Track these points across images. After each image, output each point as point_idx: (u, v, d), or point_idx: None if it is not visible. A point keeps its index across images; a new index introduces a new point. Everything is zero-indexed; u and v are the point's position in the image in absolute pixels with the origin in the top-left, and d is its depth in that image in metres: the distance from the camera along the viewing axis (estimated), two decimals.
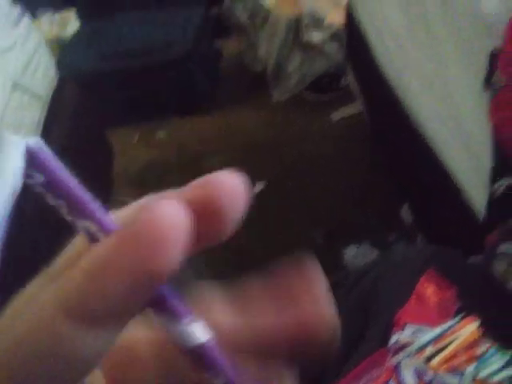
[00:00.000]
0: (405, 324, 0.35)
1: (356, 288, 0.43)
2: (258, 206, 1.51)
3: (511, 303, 0.40)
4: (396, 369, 0.31)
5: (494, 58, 0.49)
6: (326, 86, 1.86)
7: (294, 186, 1.50)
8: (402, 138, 1.01)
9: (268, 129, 1.78)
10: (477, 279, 0.43)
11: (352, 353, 0.39)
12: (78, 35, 1.95)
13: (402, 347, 0.33)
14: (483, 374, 0.30)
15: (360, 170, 1.48)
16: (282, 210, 1.41)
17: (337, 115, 1.82)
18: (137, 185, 1.62)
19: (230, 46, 2.09)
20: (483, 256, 0.47)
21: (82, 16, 2.09)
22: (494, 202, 0.56)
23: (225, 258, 1.24)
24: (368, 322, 0.40)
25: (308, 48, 1.69)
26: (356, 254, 1.22)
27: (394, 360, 0.32)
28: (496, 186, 0.51)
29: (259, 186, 1.52)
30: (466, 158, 0.70)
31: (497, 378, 0.30)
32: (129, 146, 1.84)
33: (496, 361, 0.31)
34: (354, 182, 1.44)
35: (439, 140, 0.80)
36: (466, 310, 0.37)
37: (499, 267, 0.44)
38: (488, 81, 0.50)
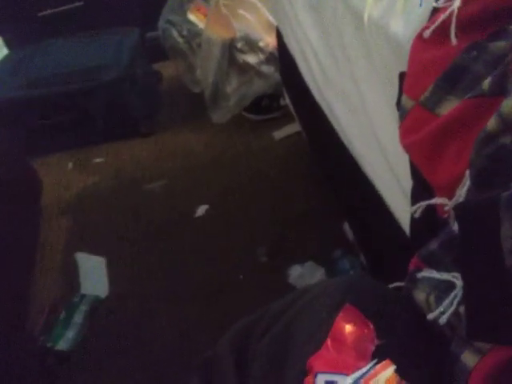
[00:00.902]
0: (316, 374, 0.32)
1: (268, 333, 0.40)
2: (202, 229, 1.46)
3: (432, 341, 0.38)
4: None
5: (401, 79, 0.48)
6: (266, 106, 1.87)
7: (237, 206, 1.47)
8: (334, 157, 1.00)
9: (209, 150, 1.75)
10: (399, 309, 0.41)
11: None
12: (4, 63, 1.84)
13: None
14: None
15: (303, 187, 1.47)
16: (226, 230, 1.37)
17: (279, 134, 1.82)
18: (70, 214, 1.53)
19: (169, 69, 2.06)
20: (405, 284, 0.45)
21: (9, 43, 1.99)
22: (413, 225, 0.55)
23: (172, 281, 1.19)
24: (281, 370, 0.37)
25: (245, 69, 1.69)
26: (301, 274, 1.20)
27: None
28: (414, 207, 0.49)
29: (202, 210, 1.48)
30: (390, 178, 0.70)
31: None
32: (63, 173, 1.74)
33: None
34: (298, 199, 1.43)
35: (366, 160, 0.80)
36: (383, 351, 0.34)
37: (419, 295, 0.42)
38: (398, 104, 0.49)
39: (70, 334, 1.03)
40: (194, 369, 0.41)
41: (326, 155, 1.12)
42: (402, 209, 0.68)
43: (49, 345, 0.99)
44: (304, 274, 1.20)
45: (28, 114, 1.71)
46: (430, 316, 0.38)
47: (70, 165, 1.79)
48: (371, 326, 0.38)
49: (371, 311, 0.39)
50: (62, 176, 1.74)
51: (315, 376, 0.32)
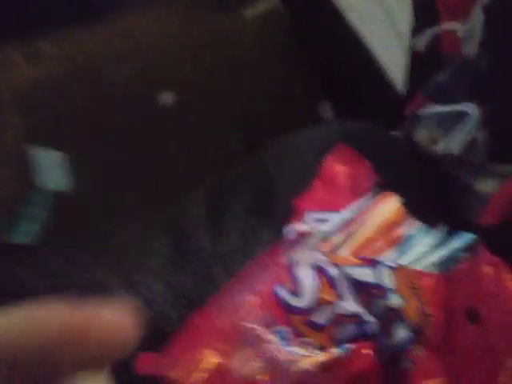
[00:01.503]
0: (304, 212, 0.26)
1: (246, 185, 0.33)
2: (169, 119, 1.36)
3: (435, 171, 0.33)
4: (289, 267, 0.21)
5: None
6: None
7: (207, 93, 1.35)
8: (318, 16, 0.89)
9: (174, 32, 1.57)
10: (396, 150, 0.35)
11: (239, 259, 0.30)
12: None
13: (298, 239, 0.24)
14: (404, 260, 0.22)
15: (278, 70, 1.36)
16: (195, 120, 1.28)
17: (251, 12, 1.64)
18: (23, 107, 1.38)
19: None
20: (404, 125, 0.39)
21: None
22: (415, 61, 0.47)
23: (141, 179, 1.12)
24: (260, 219, 0.31)
25: None
26: None
27: (286, 257, 0.23)
28: (420, 39, 0.41)
29: (167, 97, 1.36)
30: (384, 25, 0.61)
31: (421, 264, 0.22)
32: (10, 66, 1.54)
33: (419, 244, 0.22)
34: (272, 83, 1.33)
35: (355, 8, 0.69)
36: (383, 185, 0.28)
37: (422, 133, 0.36)
38: None
39: (31, 227, 0.96)
40: (158, 222, 0.35)
41: (311, 20, 1.00)
42: (394, 58, 0.59)
43: (8, 240, 0.93)
44: None
45: None
46: (439, 149, 0.32)
47: (18, 56, 1.58)
48: (367, 164, 0.31)
49: (366, 150, 0.33)
50: (12, 67, 1.54)
51: (302, 215, 0.26)
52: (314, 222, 0.26)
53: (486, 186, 0.27)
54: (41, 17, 1.67)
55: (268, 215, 0.31)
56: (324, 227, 0.24)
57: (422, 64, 0.44)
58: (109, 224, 1.03)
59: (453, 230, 0.25)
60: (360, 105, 0.81)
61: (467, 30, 0.38)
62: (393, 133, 0.42)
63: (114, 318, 0.10)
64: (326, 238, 0.24)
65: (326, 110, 1.15)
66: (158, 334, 0.29)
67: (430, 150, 0.34)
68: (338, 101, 1.02)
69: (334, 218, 0.25)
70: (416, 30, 0.47)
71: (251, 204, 0.33)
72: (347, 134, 0.35)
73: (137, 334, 0.10)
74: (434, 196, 0.31)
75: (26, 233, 0.93)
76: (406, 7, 0.52)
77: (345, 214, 0.25)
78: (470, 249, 0.23)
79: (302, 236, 0.24)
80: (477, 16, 0.36)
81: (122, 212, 1.04)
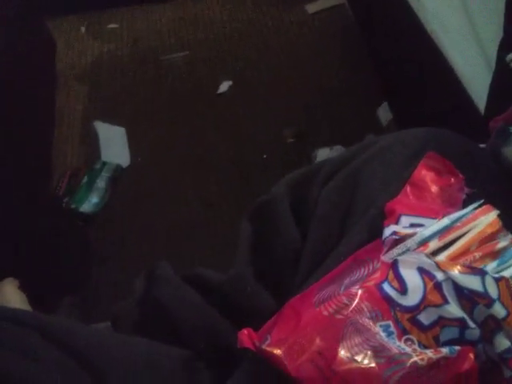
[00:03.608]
0: (399, 215, 0.27)
1: (332, 180, 0.34)
2: (225, 106, 1.38)
3: None
4: (394, 266, 0.23)
5: None
6: None
7: (263, 83, 1.36)
8: (395, 26, 0.87)
9: (234, 21, 1.58)
10: (489, 163, 0.35)
11: (328, 253, 0.31)
12: None
13: (398, 240, 0.25)
14: (507, 273, 0.23)
15: (336, 68, 1.35)
16: (250, 109, 1.29)
17: (313, 7, 1.62)
18: (86, 82, 1.43)
19: None
20: (491, 139, 0.39)
21: None
22: (505, 77, 0.46)
23: (195, 155, 1.14)
24: (348, 217, 0.32)
25: None
26: (328, 156, 1.15)
27: (388, 255, 0.24)
28: (509, 56, 0.40)
29: (225, 86, 1.38)
30: (467, 34, 0.59)
31: None
32: (75, 38, 1.60)
33: None
34: (329, 80, 1.32)
35: (438, 23, 0.68)
36: (478, 197, 0.29)
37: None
38: None
39: (93, 198, 1.01)
40: (247, 212, 0.37)
41: (381, 26, 0.98)
42: (475, 71, 0.58)
43: (73, 206, 0.98)
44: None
45: None
46: None
47: (83, 29, 1.64)
48: (460, 176, 0.32)
49: (458, 161, 0.33)
50: (75, 41, 1.60)
51: (398, 217, 0.27)
52: (411, 225, 0.27)
53: None
54: None
55: (357, 213, 0.32)
56: (423, 232, 0.26)
57: (510, 81, 0.43)
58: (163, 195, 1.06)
59: None
60: (426, 112, 0.80)
61: None
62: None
63: None
64: (423, 241, 0.25)
65: (386, 113, 1.14)
66: (251, 314, 0.31)
67: None
68: (399, 104, 1.01)
69: (431, 224, 0.26)
70: (506, 46, 0.46)
71: (338, 200, 0.34)
72: (439, 141, 0.35)
73: None
74: None
75: (90, 202, 0.98)
76: (493, 21, 0.51)
77: (443, 221, 0.26)
78: None
79: (401, 238, 0.25)
80: None
81: (178, 189, 1.07)
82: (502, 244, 0.25)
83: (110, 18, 1.64)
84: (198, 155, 1.18)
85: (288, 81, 1.38)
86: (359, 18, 1.22)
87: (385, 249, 0.25)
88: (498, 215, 0.27)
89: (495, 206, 0.28)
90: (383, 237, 0.26)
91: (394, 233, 0.25)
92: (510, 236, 0.25)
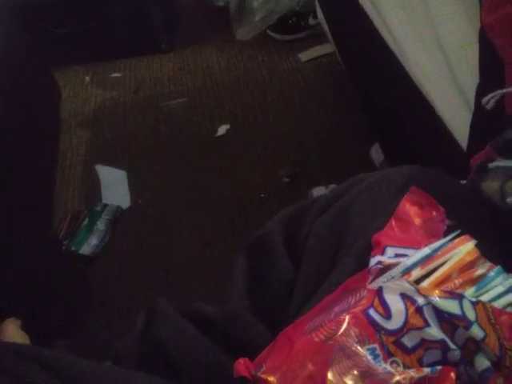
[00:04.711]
0: (385, 247, 0.29)
1: (324, 215, 0.36)
2: (223, 148, 1.43)
3: (505, 225, 0.35)
4: (379, 292, 0.24)
5: None
6: (293, 25, 1.74)
7: (259, 127, 1.42)
8: (380, 73, 0.93)
9: (232, 69, 1.66)
10: (468, 196, 0.37)
11: (320, 284, 0.33)
12: None
13: (383, 270, 0.27)
14: (485, 297, 0.24)
15: (329, 111, 1.41)
16: (247, 150, 1.34)
17: (305, 55, 1.71)
18: (89, 127, 1.49)
19: None
20: (471, 175, 0.41)
21: None
22: (481, 121, 0.50)
23: (193, 196, 1.17)
24: (338, 249, 0.34)
25: None
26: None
27: (374, 284, 0.26)
28: (487, 98, 0.44)
29: (223, 129, 1.43)
30: (446, 80, 0.64)
31: (500, 303, 0.24)
32: (80, 87, 1.68)
33: (497, 285, 0.25)
34: (322, 123, 1.38)
35: (418, 65, 0.73)
36: (458, 228, 0.31)
37: (491, 185, 0.39)
38: None
39: (93, 239, 1.03)
40: (242, 248, 0.38)
41: (366, 70, 1.04)
42: (457, 114, 0.62)
43: (73, 248, 1.00)
44: None
45: (44, 19, 1.61)
46: (508, 200, 0.34)
47: (87, 78, 1.72)
48: (441, 209, 0.34)
49: (439, 195, 0.36)
50: (79, 89, 1.68)
51: (384, 249, 0.29)
52: (395, 255, 0.29)
53: None
54: (115, 47, 1.81)
55: (346, 246, 0.34)
56: (406, 261, 0.27)
57: (488, 122, 0.46)
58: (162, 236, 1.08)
59: None
60: (415, 153, 0.83)
61: None
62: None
63: None
64: (406, 270, 0.27)
65: (378, 154, 1.18)
66: (247, 346, 0.32)
67: (498, 203, 0.37)
68: (388, 146, 1.05)
69: (414, 254, 0.28)
70: (482, 90, 0.50)
71: (328, 233, 0.36)
72: (422, 178, 0.38)
73: None
74: (502, 245, 0.33)
75: (90, 244, 1.00)
76: (470, 64, 0.55)
77: (424, 251, 0.28)
78: None
79: (386, 267, 0.27)
80: None
81: (176, 229, 1.09)
82: (480, 271, 0.27)
83: (113, 68, 1.72)
84: (196, 196, 1.20)
85: (283, 124, 1.44)
86: (347, 66, 1.29)
87: (371, 278, 0.26)
88: (476, 244, 0.29)
89: (474, 236, 0.30)
90: (369, 266, 0.27)
91: (379, 262, 0.27)
92: (487, 264, 0.27)
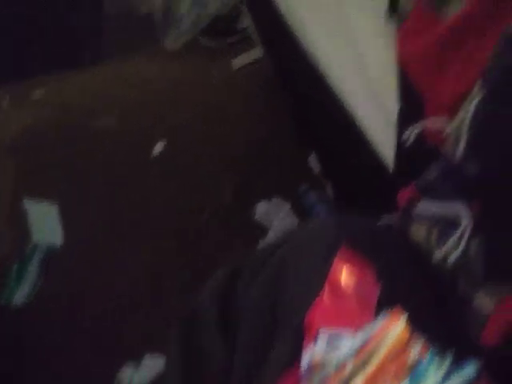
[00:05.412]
0: (318, 331, 0.27)
1: (258, 280, 0.35)
2: (160, 168, 1.37)
3: (434, 276, 0.35)
4: None
5: None
6: (223, 29, 1.71)
7: (197, 141, 1.38)
8: (304, 83, 0.93)
9: (162, 80, 1.60)
10: (398, 249, 0.37)
11: (259, 365, 0.31)
12: None
13: (315, 367, 0.25)
14: None
15: (266, 121, 1.40)
16: (186, 169, 1.29)
17: (238, 62, 1.69)
18: (12, 157, 1.37)
19: None
20: (398, 219, 0.41)
21: None
22: (404, 154, 0.50)
23: (132, 225, 1.12)
24: (275, 324, 0.32)
25: None
26: (268, 210, 1.17)
27: None
28: (406, 134, 0.44)
29: (159, 147, 1.38)
30: (371, 103, 0.64)
31: None
32: None
33: (433, 372, 0.24)
34: (261, 133, 1.36)
35: (342, 82, 0.73)
36: (388, 298, 0.30)
37: (419, 231, 0.38)
38: (393, 5, 0.42)
39: (25, 286, 0.95)
40: (172, 329, 0.36)
41: (294, 82, 1.03)
42: (383, 137, 0.62)
43: (3, 302, 0.92)
44: (270, 211, 1.17)
45: None
46: (435, 257, 0.34)
47: (5, 102, 1.59)
48: (372, 270, 0.33)
49: (369, 253, 0.35)
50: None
51: (317, 334, 0.28)
52: (328, 343, 0.27)
53: (485, 302, 0.29)
54: (33, 63, 1.69)
55: (283, 321, 0.32)
56: (338, 353, 0.26)
57: (409, 157, 0.46)
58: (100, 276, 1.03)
59: (457, 352, 0.26)
60: (344, 167, 0.84)
61: (454, 128, 0.40)
62: (385, 218, 0.44)
63: None
64: (340, 365, 0.25)
65: (314, 164, 1.18)
66: None
67: (426, 250, 0.37)
68: (323, 158, 1.05)
69: (347, 342, 0.27)
70: (403, 122, 0.50)
71: (262, 305, 0.34)
72: (350, 233, 0.37)
73: None
74: (434, 306, 0.33)
75: (21, 292, 0.92)
76: (394, 91, 0.55)
77: (357, 338, 0.27)
78: (476, 378, 0.25)
79: (317, 365, 0.26)
80: (465, 114, 0.38)
81: (112, 265, 1.04)
82: (413, 356, 0.26)
83: (34, 87, 1.60)
84: (136, 224, 1.15)
85: (221, 137, 1.41)
86: (277, 72, 1.29)
87: (304, 379, 0.25)
88: (409, 316, 0.28)
89: (406, 303, 0.30)
90: (302, 364, 0.26)
91: (311, 362, 0.25)
92: (420, 344, 0.26)
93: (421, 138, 0.45)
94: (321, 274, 0.34)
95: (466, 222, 0.34)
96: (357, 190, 0.82)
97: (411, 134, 0.44)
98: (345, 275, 0.34)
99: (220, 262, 1.05)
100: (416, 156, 0.46)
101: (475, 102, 0.34)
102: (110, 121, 1.58)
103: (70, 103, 1.68)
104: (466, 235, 0.33)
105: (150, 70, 1.75)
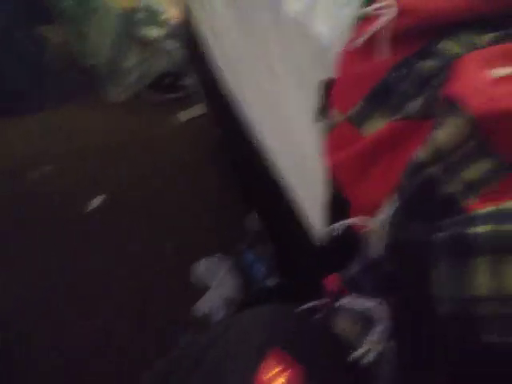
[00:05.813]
0: None
1: (196, 372, 0.34)
2: (98, 224, 1.31)
3: (357, 369, 0.36)
4: None
5: (327, 88, 0.44)
6: (168, 85, 1.74)
7: (138, 196, 1.35)
8: (241, 148, 0.96)
9: (106, 132, 1.58)
10: (326, 345, 0.38)
11: None
12: None
13: None
14: None
15: (209, 175, 1.41)
16: (127, 222, 1.26)
17: (184, 115, 1.71)
18: None
19: (55, 35, 1.79)
20: (325, 310, 0.43)
21: None
22: (331, 244, 0.52)
23: (75, 285, 1.05)
24: None
25: (145, 44, 1.55)
26: (207, 268, 1.16)
27: None
28: (335, 226, 0.46)
29: (98, 200, 1.34)
30: (297, 171, 0.67)
31: None
32: None
33: None
34: (203, 188, 1.37)
35: (274, 155, 0.76)
36: None
37: (343, 324, 0.40)
38: (322, 113, 0.45)
39: None
40: None
41: (233, 144, 1.06)
42: (315, 216, 0.65)
43: None
44: (210, 268, 1.17)
45: None
46: (355, 355, 0.36)
47: None
48: (300, 368, 0.34)
49: (297, 350, 0.36)
50: None
51: None
52: None
53: None
54: None
55: None
56: None
57: (333, 251, 0.49)
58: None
59: None
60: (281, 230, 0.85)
61: (377, 227, 0.43)
62: (311, 305, 0.45)
63: None
64: None
65: (252, 222, 1.20)
66: None
67: (349, 344, 0.38)
68: (263, 217, 1.06)
69: None
70: (331, 212, 0.53)
71: None
72: (277, 331, 0.38)
73: None
74: None
75: None
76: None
77: None
78: None
79: None
80: (385, 216, 0.41)
81: (59, 326, 0.95)
82: None
83: None
84: (74, 284, 1.08)
85: (163, 191, 1.40)
86: (219, 131, 1.32)
87: None
88: None
89: None
90: None
91: None
92: None
93: (345, 236, 0.46)
94: (249, 376, 0.35)
95: (383, 323, 0.36)
96: (292, 251, 0.84)
97: (339, 227, 0.46)
98: (273, 379, 0.35)
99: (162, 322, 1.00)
100: (340, 252, 0.48)
101: (394, 207, 0.38)
102: (47, 171, 1.51)
103: (6, 153, 1.59)
104: (384, 335, 0.35)
105: (92, 121, 1.72)
